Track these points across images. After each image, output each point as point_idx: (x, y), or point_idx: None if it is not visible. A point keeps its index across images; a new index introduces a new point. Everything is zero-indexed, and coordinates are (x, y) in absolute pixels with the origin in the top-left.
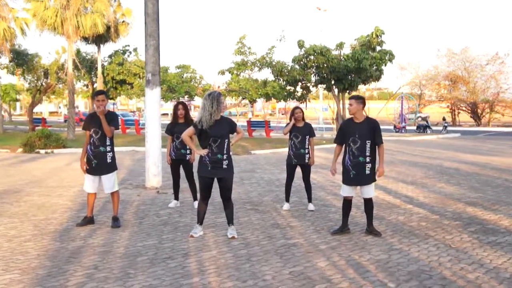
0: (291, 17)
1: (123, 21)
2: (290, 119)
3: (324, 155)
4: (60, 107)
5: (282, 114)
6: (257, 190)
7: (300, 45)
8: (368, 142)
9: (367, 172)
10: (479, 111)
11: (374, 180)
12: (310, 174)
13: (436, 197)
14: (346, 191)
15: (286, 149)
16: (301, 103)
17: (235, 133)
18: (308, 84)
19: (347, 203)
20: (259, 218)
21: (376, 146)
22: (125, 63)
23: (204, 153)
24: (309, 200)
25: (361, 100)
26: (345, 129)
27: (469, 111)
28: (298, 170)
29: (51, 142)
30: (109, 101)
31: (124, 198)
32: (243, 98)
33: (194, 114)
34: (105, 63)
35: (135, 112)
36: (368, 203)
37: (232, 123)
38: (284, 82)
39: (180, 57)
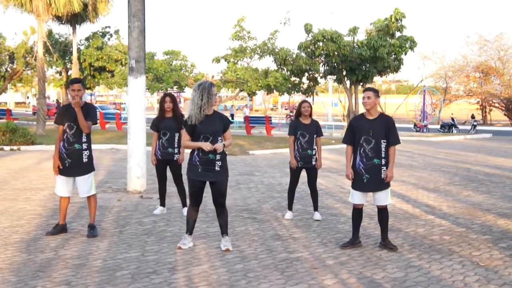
0: None
1: None
2: (297, 116)
3: (333, 156)
4: (28, 97)
5: (286, 109)
6: (256, 196)
7: (308, 29)
8: (384, 142)
9: (383, 176)
10: None
11: (389, 185)
12: (317, 178)
13: (462, 207)
14: (357, 198)
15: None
16: (307, 96)
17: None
18: (316, 75)
19: (358, 212)
20: (258, 228)
21: (388, 147)
22: (104, 47)
23: (208, 147)
24: (315, 208)
25: (377, 93)
26: (356, 127)
27: (503, 108)
28: (303, 174)
29: (17, 137)
30: (86, 91)
31: (102, 203)
32: (241, 90)
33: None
34: (82, 47)
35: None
36: (383, 213)
37: (226, 121)
38: (289, 72)
39: (168, 41)
